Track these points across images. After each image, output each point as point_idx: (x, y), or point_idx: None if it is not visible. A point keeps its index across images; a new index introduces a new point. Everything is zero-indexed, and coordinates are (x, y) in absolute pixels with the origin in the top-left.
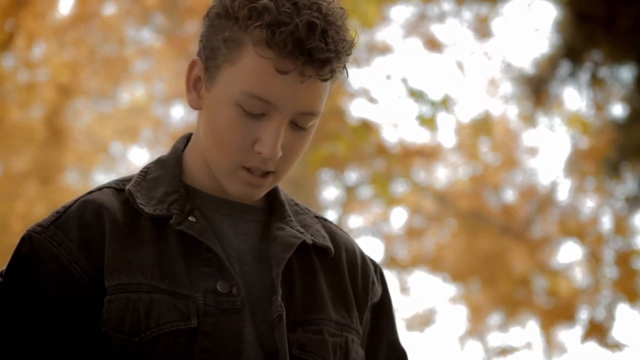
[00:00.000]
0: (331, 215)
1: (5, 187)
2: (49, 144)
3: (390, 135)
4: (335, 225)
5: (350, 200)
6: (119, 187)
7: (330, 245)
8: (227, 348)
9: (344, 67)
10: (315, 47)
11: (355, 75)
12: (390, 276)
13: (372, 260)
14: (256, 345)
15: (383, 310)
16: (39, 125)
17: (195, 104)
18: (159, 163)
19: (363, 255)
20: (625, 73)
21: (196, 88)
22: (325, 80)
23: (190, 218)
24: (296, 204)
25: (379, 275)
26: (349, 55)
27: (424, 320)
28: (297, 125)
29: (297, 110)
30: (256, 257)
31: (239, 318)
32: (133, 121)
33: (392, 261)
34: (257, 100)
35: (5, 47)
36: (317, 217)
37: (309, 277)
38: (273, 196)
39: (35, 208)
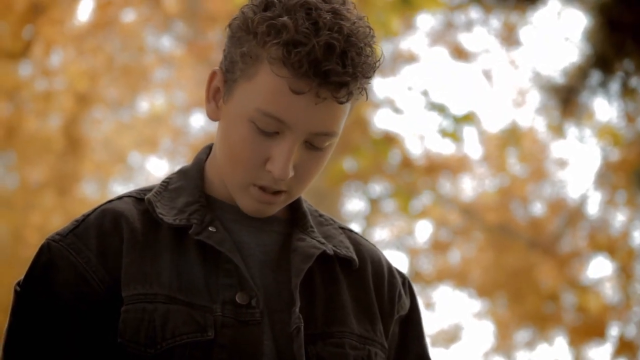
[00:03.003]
0: (354, 228)
1: (22, 198)
2: (66, 153)
3: (415, 147)
4: (361, 237)
5: (374, 213)
6: (139, 197)
7: (354, 256)
8: None
9: (364, 90)
10: (332, 70)
11: (380, 85)
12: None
13: (400, 273)
14: (275, 358)
15: (411, 323)
16: (57, 134)
17: (213, 115)
18: (181, 174)
19: (390, 267)
20: None
21: (215, 99)
22: (341, 102)
23: (210, 228)
24: (320, 215)
25: (407, 288)
26: (369, 77)
27: (449, 337)
28: (313, 145)
29: (311, 131)
30: (276, 268)
31: (258, 330)
32: (152, 131)
33: (416, 276)
34: (270, 118)
35: (23, 55)
36: (342, 228)
37: (331, 289)
38: (295, 207)
39: (52, 219)
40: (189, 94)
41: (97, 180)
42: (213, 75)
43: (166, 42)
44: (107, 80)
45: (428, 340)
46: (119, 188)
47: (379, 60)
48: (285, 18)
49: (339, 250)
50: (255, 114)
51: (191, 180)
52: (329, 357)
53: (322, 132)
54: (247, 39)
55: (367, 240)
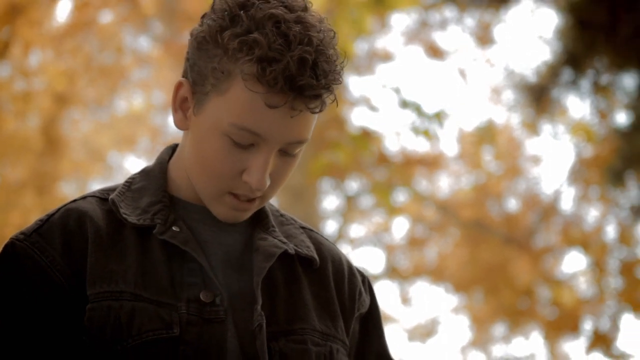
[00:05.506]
0: (332, 225)
1: (1, 198)
2: (45, 153)
3: (392, 144)
4: (321, 236)
5: (350, 210)
6: (103, 197)
7: (315, 256)
8: (210, 358)
9: (335, 97)
10: (307, 84)
11: (356, 83)
12: (391, 286)
13: (360, 271)
14: (239, 354)
15: (371, 321)
16: (35, 134)
17: (182, 125)
18: (144, 174)
19: (350, 266)
20: (628, 80)
21: (183, 108)
22: (315, 112)
23: (174, 228)
24: (281, 215)
25: (367, 286)
26: (339, 84)
27: (426, 331)
28: (286, 152)
29: (286, 141)
30: (239, 267)
31: (222, 328)
32: (130, 130)
33: (393, 271)
34: (246, 132)
35: (1, 56)
36: (303, 227)
37: (293, 287)
38: None
39: (31, 219)
40: (167, 93)
41: (76, 180)
42: (179, 85)
43: (144, 42)
44: (86, 80)
45: (404, 336)
46: (98, 187)
47: (343, 61)
48: (256, 34)
49: (300, 250)
50: (230, 129)
51: (154, 181)
52: (291, 354)
53: (296, 140)
54: (216, 54)
55: (327, 240)
